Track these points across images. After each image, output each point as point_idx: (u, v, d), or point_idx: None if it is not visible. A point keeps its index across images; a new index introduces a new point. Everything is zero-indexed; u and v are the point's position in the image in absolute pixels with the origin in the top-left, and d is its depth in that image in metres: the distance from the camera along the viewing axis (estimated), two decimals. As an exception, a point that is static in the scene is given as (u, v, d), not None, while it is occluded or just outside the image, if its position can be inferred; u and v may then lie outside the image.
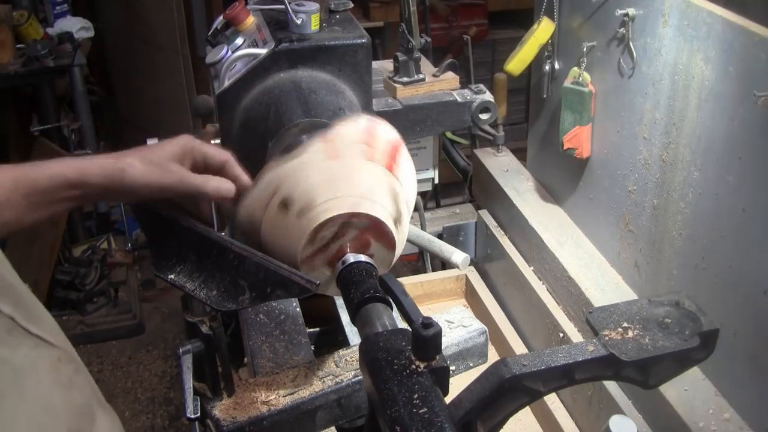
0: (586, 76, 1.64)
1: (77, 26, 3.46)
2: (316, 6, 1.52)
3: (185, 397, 1.25)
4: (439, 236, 2.05)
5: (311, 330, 1.57)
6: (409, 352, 0.91)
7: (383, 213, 1.15)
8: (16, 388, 0.83)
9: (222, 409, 1.23)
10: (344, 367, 1.32)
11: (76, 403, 0.92)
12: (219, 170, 1.18)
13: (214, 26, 1.67)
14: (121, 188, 1.09)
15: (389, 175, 1.20)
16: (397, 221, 1.18)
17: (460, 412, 0.90)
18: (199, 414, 1.25)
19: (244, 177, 1.19)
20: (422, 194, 2.16)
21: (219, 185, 1.16)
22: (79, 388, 0.94)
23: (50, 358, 0.91)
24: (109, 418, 1.01)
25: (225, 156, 1.19)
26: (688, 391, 1.33)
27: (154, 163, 1.10)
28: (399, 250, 1.21)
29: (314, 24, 1.52)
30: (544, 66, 1.81)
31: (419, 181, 2.05)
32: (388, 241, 1.17)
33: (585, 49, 1.62)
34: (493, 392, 0.91)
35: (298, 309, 1.55)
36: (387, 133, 1.24)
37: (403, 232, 1.22)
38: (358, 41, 1.52)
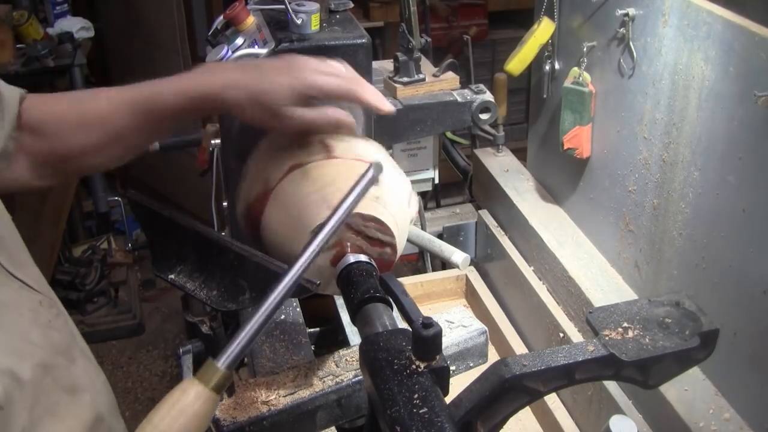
0: (586, 76, 1.64)
1: (77, 26, 3.46)
2: (316, 6, 1.52)
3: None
4: (440, 236, 2.05)
5: (311, 330, 1.57)
6: (409, 352, 0.91)
7: (387, 216, 1.16)
8: None
9: (222, 409, 1.23)
10: (344, 367, 1.32)
11: (55, 341, 0.96)
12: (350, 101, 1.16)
13: (214, 26, 1.67)
14: (228, 116, 1.13)
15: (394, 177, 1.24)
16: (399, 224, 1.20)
17: (460, 412, 0.90)
18: (199, 414, 1.25)
19: (384, 105, 1.16)
20: (422, 194, 2.16)
21: (332, 118, 1.13)
22: (58, 330, 0.98)
23: (32, 300, 0.96)
24: (93, 367, 1.04)
25: (353, 93, 1.14)
26: (689, 391, 1.33)
27: (266, 107, 1.10)
28: (399, 249, 1.22)
29: (314, 24, 1.52)
30: (544, 66, 1.81)
31: (420, 181, 2.06)
32: (390, 245, 1.18)
33: (585, 49, 1.62)
34: (494, 392, 0.91)
35: (298, 309, 1.55)
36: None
37: (404, 232, 1.24)
38: (359, 41, 1.52)
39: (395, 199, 1.19)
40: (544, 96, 1.85)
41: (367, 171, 1.10)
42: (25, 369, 0.88)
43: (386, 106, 1.17)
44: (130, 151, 1.15)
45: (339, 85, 1.13)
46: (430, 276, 2.04)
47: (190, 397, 0.84)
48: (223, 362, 0.87)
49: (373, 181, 1.09)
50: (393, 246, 1.17)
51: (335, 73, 1.14)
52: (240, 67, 1.14)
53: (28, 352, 0.91)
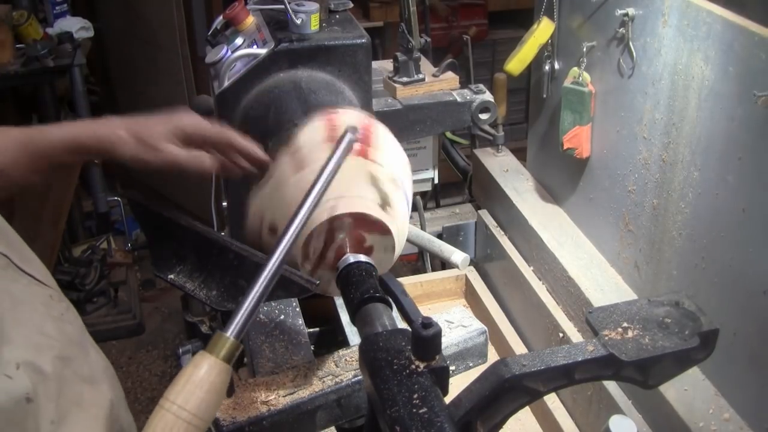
0: (586, 76, 1.64)
1: (77, 26, 3.46)
2: (315, 6, 1.52)
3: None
4: (439, 236, 2.05)
5: (311, 330, 1.57)
6: (408, 352, 0.91)
7: (364, 204, 1.14)
8: (14, 313, 0.90)
9: (222, 409, 1.23)
10: (344, 367, 1.32)
11: (68, 334, 0.99)
12: (224, 148, 1.18)
13: (214, 26, 1.67)
14: (112, 158, 1.14)
15: (363, 161, 1.19)
16: (384, 204, 1.17)
17: (459, 412, 0.90)
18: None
19: (256, 151, 1.19)
20: (422, 194, 2.16)
21: (198, 160, 1.16)
22: (70, 322, 1.01)
23: (43, 295, 0.98)
24: (102, 358, 1.08)
25: (226, 136, 1.18)
26: (688, 391, 1.33)
27: (146, 141, 1.12)
28: (399, 231, 1.20)
29: (314, 24, 1.52)
30: (544, 66, 1.81)
31: (420, 181, 2.06)
32: (381, 228, 1.16)
33: (585, 49, 1.62)
34: (493, 392, 0.91)
35: (297, 309, 1.55)
36: (350, 119, 1.23)
37: (398, 211, 1.21)
38: (358, 41, 1.52)
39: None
40: (544, 96, 1.85)
41: (343, 135, 1.10)
42: (46, 362, 0.90)
43: (259, 154, 1.19)
44: (9, 186, 1.16)
45: (213, 127, 1.17)
46: (430, 276, 2.04)
47: (203, 370, 0.85)
48: (231, 332, 0.88)
49: (351, 144, 1.10)
50: (387, 230, 1.15)
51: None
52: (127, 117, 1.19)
53: (46, 345, 0.92)
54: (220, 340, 0.88)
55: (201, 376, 0.85)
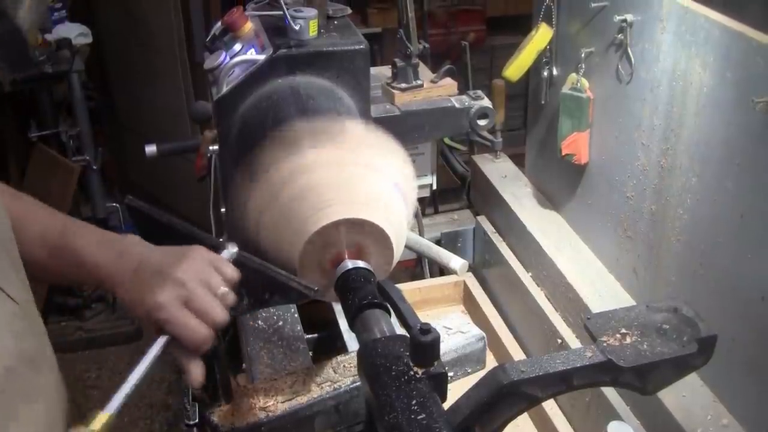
0: (584, 82, 1.64)
1: (75, 32, 3.46)
2: (314, 12, 1.52)
3: (184, 402, 1.25)
4: (438, 242, 2.05)
5: (309, 336, 1.57)
6: (407, 358, 0.91)
7: (362, 210, 1.14)
8: None
9: (220, 415, 1.23)
10: (342, 373, 1.32)
11: (24, 351, 0.97)
12: None
13: (213, 32, 1.67)
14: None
15: (361, 165, 1.20)
16: (383, 209, 1.17)
17: (458, 418, 0.90)
18: (197, 420, 1.25)
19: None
20: (420, 200, 2.16)
21: (191, 333, 1.03)
22: (33, 336, 1.00)
23: (6, 313, 0.97)
24: (54, 378, 1.05)
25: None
26: (687, 397, 1.33)
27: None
28: (398, 236, 1.20)
29: (312, 30, 1.52)
30: (542, 72, 1.81)
31: (417, 187, 2.05)
32: (380, 234, 1.15)
33: (583, 55, 1.62)
34: (492, 398, 0.91)
35: (296, 315, 1.55)
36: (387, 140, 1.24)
37: (397, 216, 1.21)
38: (356, 47, 1.52)
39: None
40: (542, 102, 1.85)
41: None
42: None
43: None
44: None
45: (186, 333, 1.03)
46: (428, 282, 2.04)
47: None
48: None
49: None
50: (347, 209, 1.14)
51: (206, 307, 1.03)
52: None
53: None
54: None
55: None
